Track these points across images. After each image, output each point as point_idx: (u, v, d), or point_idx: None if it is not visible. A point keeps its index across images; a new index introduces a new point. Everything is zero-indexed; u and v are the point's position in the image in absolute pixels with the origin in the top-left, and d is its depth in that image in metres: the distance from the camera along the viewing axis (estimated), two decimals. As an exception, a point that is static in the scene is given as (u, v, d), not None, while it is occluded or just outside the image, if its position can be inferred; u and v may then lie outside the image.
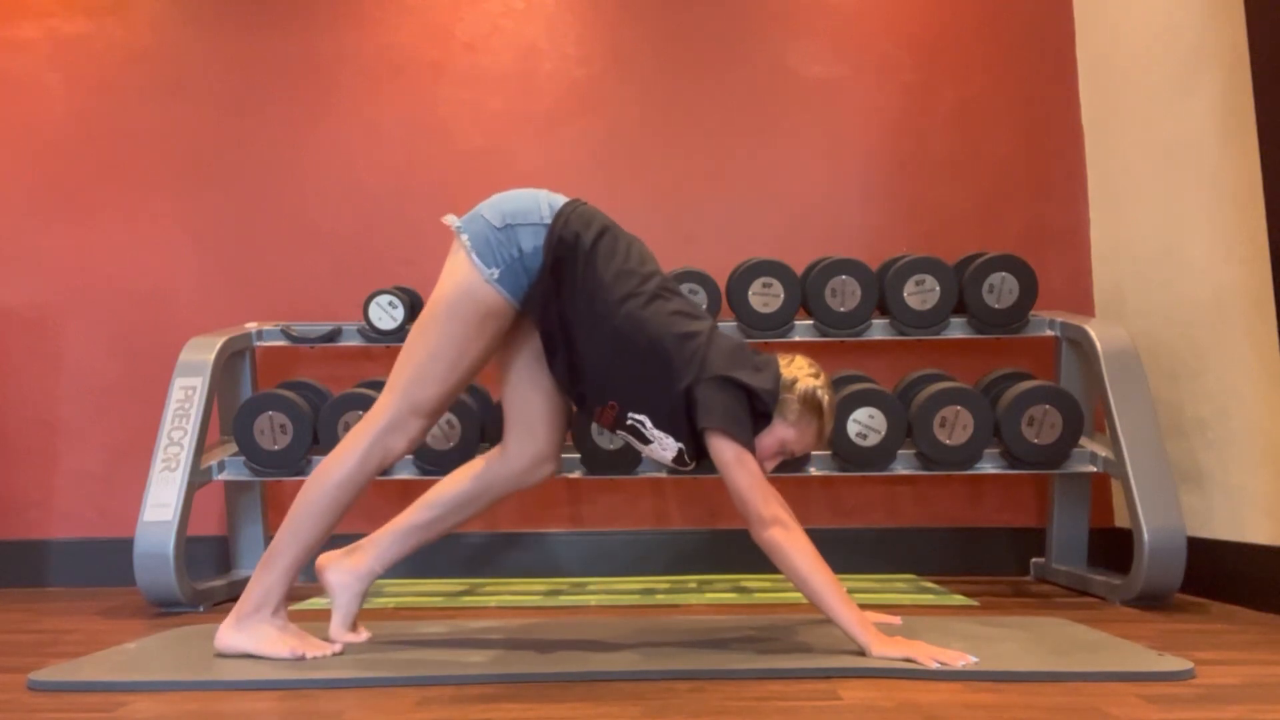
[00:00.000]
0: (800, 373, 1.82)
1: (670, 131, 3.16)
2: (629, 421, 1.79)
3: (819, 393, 1.81)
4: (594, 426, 2.48)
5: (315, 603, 2.53)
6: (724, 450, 1.71)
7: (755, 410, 1.77)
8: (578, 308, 1.75)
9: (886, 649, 1.63)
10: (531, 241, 1.74)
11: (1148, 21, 2.74)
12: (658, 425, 1.78)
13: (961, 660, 1.57)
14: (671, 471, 2.50)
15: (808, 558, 1.68)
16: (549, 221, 1.76)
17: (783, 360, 1.85)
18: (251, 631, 1.75)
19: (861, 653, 1.66)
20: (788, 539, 1.69)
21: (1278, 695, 1.44)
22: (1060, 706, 1.37)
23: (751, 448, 1.74)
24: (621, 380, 1.77)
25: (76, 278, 3.11)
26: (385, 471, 2.48)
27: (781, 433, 1.81)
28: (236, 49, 3.20)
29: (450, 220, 1.80)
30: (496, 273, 1.73)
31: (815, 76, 3.18)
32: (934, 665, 1.56)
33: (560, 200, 1.81)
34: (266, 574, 1.77)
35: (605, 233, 1.80)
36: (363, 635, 1.90)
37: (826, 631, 1.91)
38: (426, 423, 1.80)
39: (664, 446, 1.80)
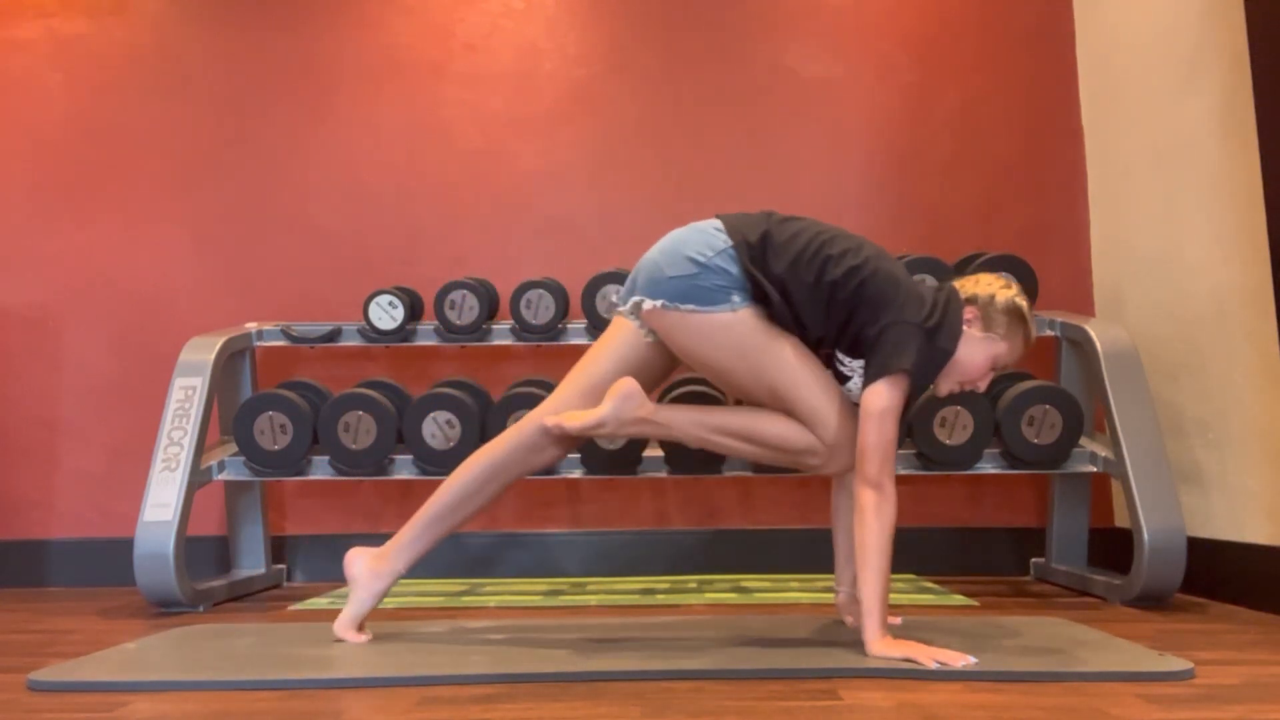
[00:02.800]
0: (994, 287, 1.83)
1: (670, 131, 3.16)
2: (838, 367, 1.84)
3: (1018, 300, 1.83)
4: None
5: (315, 602, 2.53)
6: (880, 399, 1.71)
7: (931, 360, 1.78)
8: (799, 296, 1.77)
9: (888, 649, 1.63)
10: (733, 265, 1.78)
11: (1148, 21, 2.74)
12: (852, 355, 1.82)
13: (961, 660, 1.57)
14: (674, 471, 2.50)
15: (882, 534, 1.69)
16: (730, 241, 1.79)
17: (968, 281, 1.86)
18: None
19: (862, 649, 1.66)
20: (878, 507, 1.70)
21: (1278, 695, 1.44)
22: (1060, 706, 1.37)
23: (900, 408, 1.73)
24: (844, 330, 1.80)
25: (76, 278, 3.11)
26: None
27: (993, 349, 1.81)
28: (236, 49, 3.20)
29: (644, 305, 1.81)
30: (736, 297, 1.78)
31: (815, 76, 3.18)
32: (934, 665, 1.56)
33: (708, 223, 1.85)
34: None
35: (769, 220, 1.83)
36: (365, 636, 1.90)
37: (826, 631, 1.92)
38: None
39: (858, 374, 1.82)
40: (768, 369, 1.78)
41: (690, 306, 1.78)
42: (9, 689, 1.58)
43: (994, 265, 2.68)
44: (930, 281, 2.68)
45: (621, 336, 1.91)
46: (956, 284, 1.87)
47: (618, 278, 2.79)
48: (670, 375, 1.98)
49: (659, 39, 3.20)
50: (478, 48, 3.22)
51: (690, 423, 1.84)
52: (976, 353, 1.81)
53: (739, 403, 1.96)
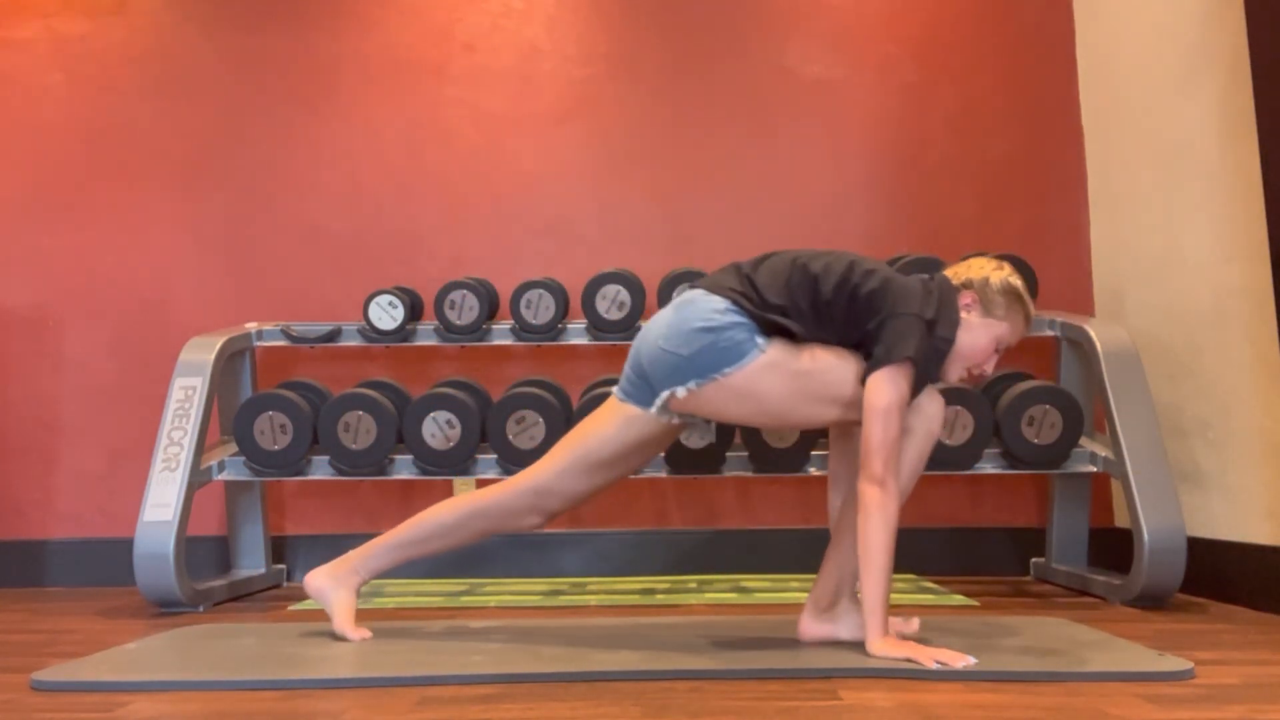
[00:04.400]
0: (986, 270, 1.83)
1: (670, 131, 3.16)
2: None
3: (1012, 280, 1.83)
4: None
5: (314, 602, 2.53)
6: (883, 394, 1.68)
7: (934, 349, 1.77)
8: (802, 323, 1.77)
9: (889, 649, 1.63)
10: (742, 315, 1.75)
11: (1148, 21, 2.74)
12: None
13: (961, 661, 1.57)
14: (674, 471, 2.50)
15: (886, 532, 1.67)
16: (725, 299, 1.77)
17: (960, 268, 1.86)
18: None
19: (863, 649, 1.67)
20: (883, 504, 1.68)
21: (1278, 695, 1.44)
22: (1060, 706, 1.37)
23: (905, 403, 1.71)
24: (848, 338, 1.79)
25: (76, 278, 3.11)
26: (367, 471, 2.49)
27: (994, 331, 1.81)
28: (236, 49, 3.20)
29: (677, 394, 1.77)
30: (760, 339, 1.74)
31: (815, 76, 3.18)
32: (934, 665, 1.56)
33: (687, 295, 1.82)
34: None
35: (740, 267, 1.83)
36: (365, 633, 1.90)
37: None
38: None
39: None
40: (826, 381, 1.75)
41: (726, 370, 1.74)
42: (10, 689, 1.58)
43: (994, 265, 2.69)
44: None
45: (633, 424, 1.84)
46: (948, 272, 1.86)
47: (618, 278, 2.79)
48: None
49: (659, 39, 3.20)
50: (478, 48, 3.22)
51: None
52: (979, 337, 1.81)
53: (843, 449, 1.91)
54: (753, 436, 2.44)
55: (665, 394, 1.78)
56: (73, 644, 1.98)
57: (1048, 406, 2.43)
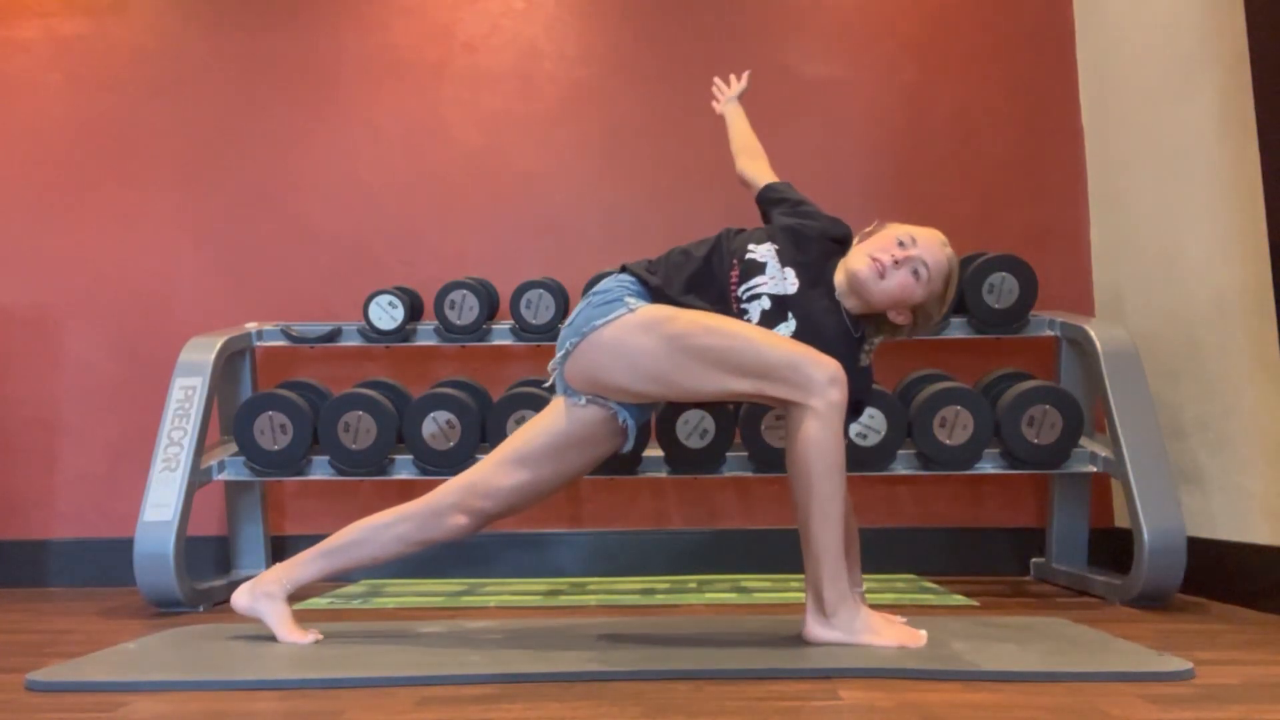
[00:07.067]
0: None
1: (670, 131, 3.16)
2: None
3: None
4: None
5: (314, 602, 2.53)
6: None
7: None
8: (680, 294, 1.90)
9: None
10: (623, 281, 1.90)
11: (1148, 22, 2.74)
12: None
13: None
14: (674, 471, 2.50)
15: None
16: (617, 280, 1.91)
17: None
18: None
19: (864, 649, 1.71)
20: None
21: (1278, 695, 1.44)
22: (1060, 706, 1.37)
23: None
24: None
25: (76, 278, 3.11)
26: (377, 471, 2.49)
27: (884, 230, 1.92)
28: (236, 49, 3.20)
29: (560, 355, 1.89)
30: (631, 300, 1.85)
31: (815, 76, 3.18)
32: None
33: (607, 282, 1.94)
34: None
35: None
36: (313, 635, 1.89)
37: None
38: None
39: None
40: (723, 347, 1.76)
41: (595, 323, 1.82)
42: (8, 689, 1.58)
43: (994, 265, 2.69)
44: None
45: (557, 412, 1.91)
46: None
47: (618, 278, 2.79)
48: (611, 451, 1.95)
49: (659, 39, 3.20)
50: (478, 48, 3.22)
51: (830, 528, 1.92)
52: (871, 239, 1.92)
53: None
54: (753, 436, 2.44)
55: (558, 358, 1.88)
56: (73, 644, 1.98)
57: (1048, 406, 2.43)
